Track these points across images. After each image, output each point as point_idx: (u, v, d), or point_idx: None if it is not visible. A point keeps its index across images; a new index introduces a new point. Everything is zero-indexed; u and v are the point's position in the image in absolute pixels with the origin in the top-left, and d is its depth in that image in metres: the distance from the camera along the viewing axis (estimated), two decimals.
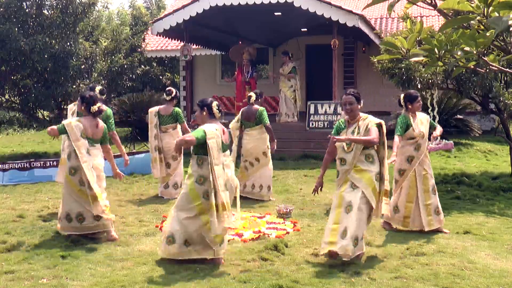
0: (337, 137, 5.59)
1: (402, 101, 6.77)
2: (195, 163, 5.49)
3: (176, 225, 5.46)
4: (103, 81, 13.74)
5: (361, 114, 5.73)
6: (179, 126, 8.97)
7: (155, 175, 8.98)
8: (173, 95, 8.87)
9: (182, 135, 8.82)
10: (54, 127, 6.38)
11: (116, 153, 7.67)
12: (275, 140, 8.68)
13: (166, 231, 5.55)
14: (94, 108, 6.38)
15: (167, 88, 9.10)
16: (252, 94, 8.89)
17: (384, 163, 5.62)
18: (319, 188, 5.86)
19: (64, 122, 6.38)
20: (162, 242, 5.58)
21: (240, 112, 8.96)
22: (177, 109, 8.92)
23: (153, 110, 9.02)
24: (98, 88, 7.85)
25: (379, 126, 5.62)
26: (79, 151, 6.20)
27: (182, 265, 5.41)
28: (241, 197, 7.05)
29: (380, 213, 5.68)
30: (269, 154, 8.78)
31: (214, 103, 5.61)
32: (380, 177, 5.58)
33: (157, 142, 8.83)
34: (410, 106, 6.72)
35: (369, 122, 5.63)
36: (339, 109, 13.33)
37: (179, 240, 5.43)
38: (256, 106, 8.75)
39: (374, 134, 5.50)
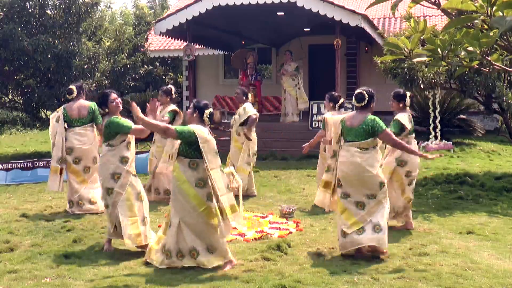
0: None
1: (401, 98, 6.74)
2: (187, 167, 5.29)
3: (185, 238, 5.28)
4: (106, 81, 13.75)
5: None
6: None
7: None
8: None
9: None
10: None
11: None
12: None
13: (172, 246, 5.29)
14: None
15: (168, 87, 8.85)
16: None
17: None
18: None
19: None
20: (164, 255, 5.34)
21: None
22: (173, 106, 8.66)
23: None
24: (73, 86, 8.12)
25: None
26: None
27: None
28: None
29: None
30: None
31: (208, 111, 5.41)
32: None
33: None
34: (401, 105, 6.73)
35: None
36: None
37: (202, 250, 5.30)
38: None
39: None
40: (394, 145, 6.00)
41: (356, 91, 5.86)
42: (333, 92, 8.60)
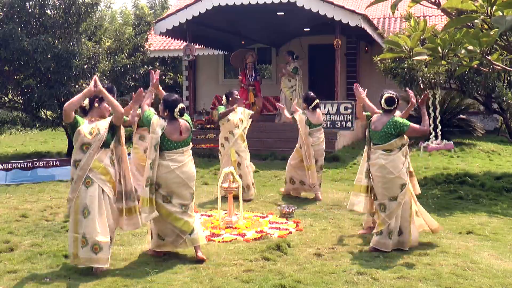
0: None
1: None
2: None
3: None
4: (105, 81, 13.73)
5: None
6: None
7: None
8: None
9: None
10: None
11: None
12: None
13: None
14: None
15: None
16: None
17: None
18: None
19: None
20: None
21: None
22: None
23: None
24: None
25: None
26: None
27: (185, 264, 5.42)
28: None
29: None
30: (223, 150, 8.88)
31: (178, 108, 5.56)
32: None
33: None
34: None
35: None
36: (341, 109, 13.33)
37: (154, 234, 5.67)
38: None
39: None
40: (424, 132, 6.11)
41: (386, 95, 5.96)
42: (309, 93, 8.91)
